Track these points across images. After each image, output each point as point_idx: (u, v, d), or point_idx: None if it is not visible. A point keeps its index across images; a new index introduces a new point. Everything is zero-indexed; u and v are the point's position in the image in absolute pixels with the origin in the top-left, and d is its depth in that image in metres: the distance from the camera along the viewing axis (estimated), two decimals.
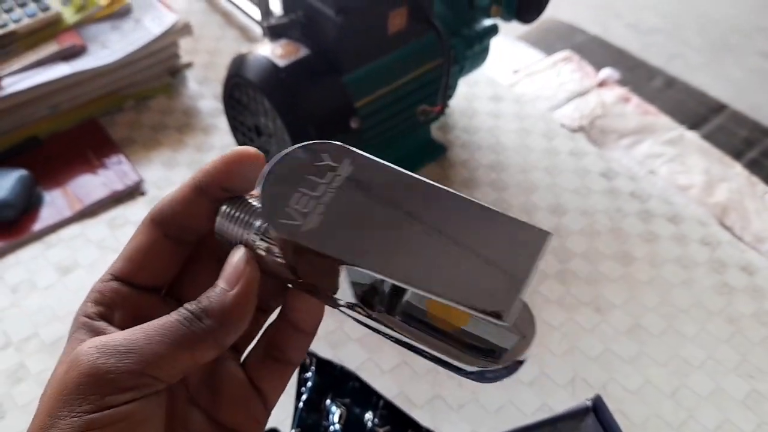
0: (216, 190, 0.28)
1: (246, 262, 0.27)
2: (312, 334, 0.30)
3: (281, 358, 0.30)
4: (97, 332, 0.27)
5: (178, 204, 0.29)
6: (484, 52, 0.75)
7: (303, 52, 0.62)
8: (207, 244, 0.30)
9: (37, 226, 0.68)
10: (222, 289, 0.26)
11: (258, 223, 0.28)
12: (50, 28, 0.77)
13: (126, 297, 0.28)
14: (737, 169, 0.78)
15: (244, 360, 0.30)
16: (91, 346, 0.24)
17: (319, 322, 0.30)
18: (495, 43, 0.75)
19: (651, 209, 0.71)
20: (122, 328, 0.26)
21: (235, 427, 0.29)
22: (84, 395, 0.23)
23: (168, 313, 0.28)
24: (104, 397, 0.23)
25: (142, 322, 0.27)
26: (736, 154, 0.81)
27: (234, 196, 0.29)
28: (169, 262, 0.30)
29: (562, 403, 0.56)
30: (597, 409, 0.49)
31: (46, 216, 0.69)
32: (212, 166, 0.29)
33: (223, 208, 0.28)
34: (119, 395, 0.24)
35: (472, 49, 0.72)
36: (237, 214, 0.28)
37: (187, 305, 0.26)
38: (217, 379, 0.29)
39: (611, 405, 0.49)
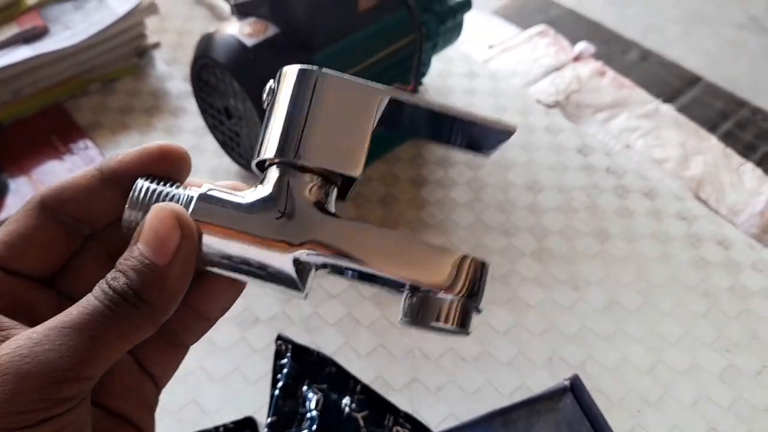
0: (129, 182, 0.26)
1: (177, 225, 0.23)
2: (214, 322, 0.28)
3: (175, 342, 0.27)
4: None
5: (80, 191, 0.26)
6: (457, 27, 0.74)
7: (272, 30, 0.60)
8: (100, 238, 0.27)
9: (3, 214, 0.66)
10: (150, 263, 0.23)
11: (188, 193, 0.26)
12: (9, 9, 0.75)
13: (2, 283, 0.25)
14: (712, 142, 0.78)
15: None
16: (14, 354, 0.21)
17: (226, 311, 0.28)
18: (469, 18, 0.74)
19: (627, 185, 0.71)
20: None
21: (126, 413, 0.26)
22: (19, 412, 0.20)
23: (49, 304, 0.25)
24: (45, 410, 0.21)
25: (19, 311, 0.24)
26: (711, 127, 0.81)
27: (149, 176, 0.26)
28: (55, 251, 0.26)
29: (540, 382, 0.55)
30: (575, 389, 0.49)
31: (12, 204, 0.67)
32: (130, 155, 0.26)
33: (138, 183, 0.26)
34: (61, 406, 0.21)
35: (444, 24, 0.71)
36: (158, 187, 0.26)
37: (110, 282, 0.23)
38: None
39: (589, 383, 0.49)
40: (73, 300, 0.24)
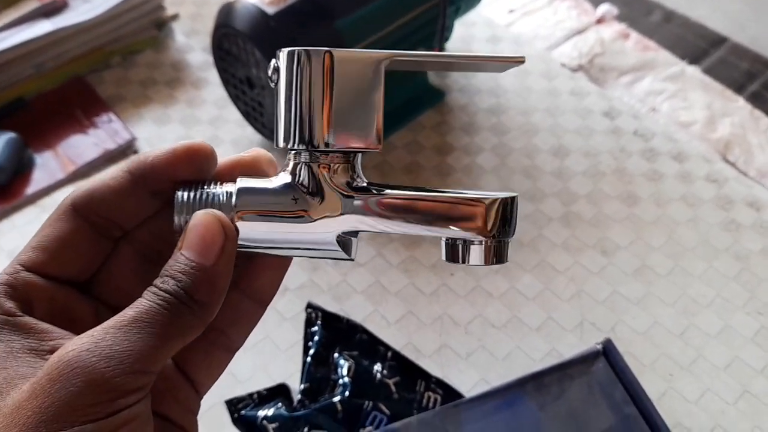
0: (159, 183, 0.26)
1: (221, 228, 0.25)
2: (264, 307, 0.28)
3: (222, 343, 0.28)
4: (27, 329, 0.24)
5: (110, 194, 0.26)
6: None
7: None
8: (130, 239, 0.27)
9: (31, 189, 0.67)
10: (197, 264, 0.24)
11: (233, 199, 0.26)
12: None
13: (41, 290, 0.25)
14: (739, 103, 0.77)
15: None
16: (81, 350, 0.22)
17: (276, 290, 0.28)
18: None
19: (655, 147, 0.70)
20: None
21: (168, 414, 0.26)
22: (89, 404, 0.21)
23: (87, 309, 0.26)
24: (113, 402, 0.21)
25: (57, 318, 0.25)
26: (738, 88, 0.79)
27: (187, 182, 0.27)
28: (89, 254, 0.26)
29: (570, 347, 0.55)
30: (607, 352, 0.49)
31: (39, 179, 0.67)
32: (159, 157, 0.26)
33: (180, 192, 0.26)
34: (127, 398, 0.22)
35: None
36: (198, 189, 0.26)
37: (160, 285, 0.24)
38: None
39: (620, 347, 0.49)
40: (110, 305, 0.26)
